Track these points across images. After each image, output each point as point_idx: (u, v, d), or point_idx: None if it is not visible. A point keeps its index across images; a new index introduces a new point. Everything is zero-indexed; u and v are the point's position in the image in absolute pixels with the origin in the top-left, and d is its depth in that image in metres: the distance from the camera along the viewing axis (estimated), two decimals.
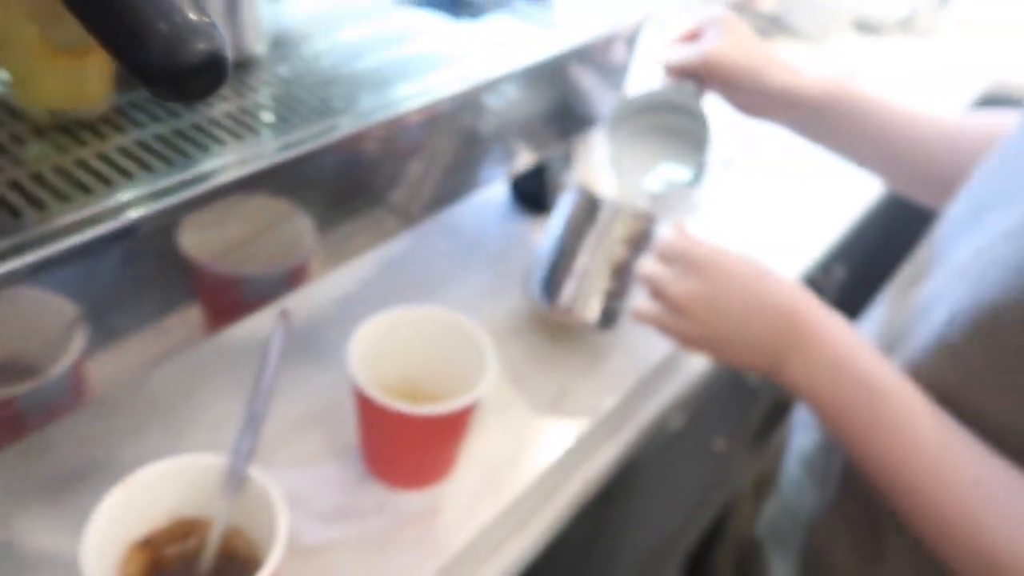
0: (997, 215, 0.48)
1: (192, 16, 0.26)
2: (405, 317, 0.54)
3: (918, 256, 0.58)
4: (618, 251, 0.64)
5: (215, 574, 0.44)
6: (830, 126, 0.66)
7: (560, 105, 0.68)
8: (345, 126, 0.49)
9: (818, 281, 1.12)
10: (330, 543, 0.50)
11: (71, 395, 0.44)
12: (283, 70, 0.53)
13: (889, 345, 0.54)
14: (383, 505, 0.53)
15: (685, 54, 0.65)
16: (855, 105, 0.65)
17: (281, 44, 0.56)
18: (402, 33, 0.61)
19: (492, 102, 0.59)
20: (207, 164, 0.44)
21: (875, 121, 0.65)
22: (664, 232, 0.57)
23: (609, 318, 0.66)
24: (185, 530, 0.43)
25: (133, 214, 0.39)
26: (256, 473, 0.41)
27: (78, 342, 0.42)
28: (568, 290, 0.65)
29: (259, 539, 0.43)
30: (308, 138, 0.47)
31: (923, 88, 1.43)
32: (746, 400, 1.20)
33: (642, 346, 0.70)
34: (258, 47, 0.54)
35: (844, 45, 1.54)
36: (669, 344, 0.71)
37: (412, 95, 0.53)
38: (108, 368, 0.44)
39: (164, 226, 0.41)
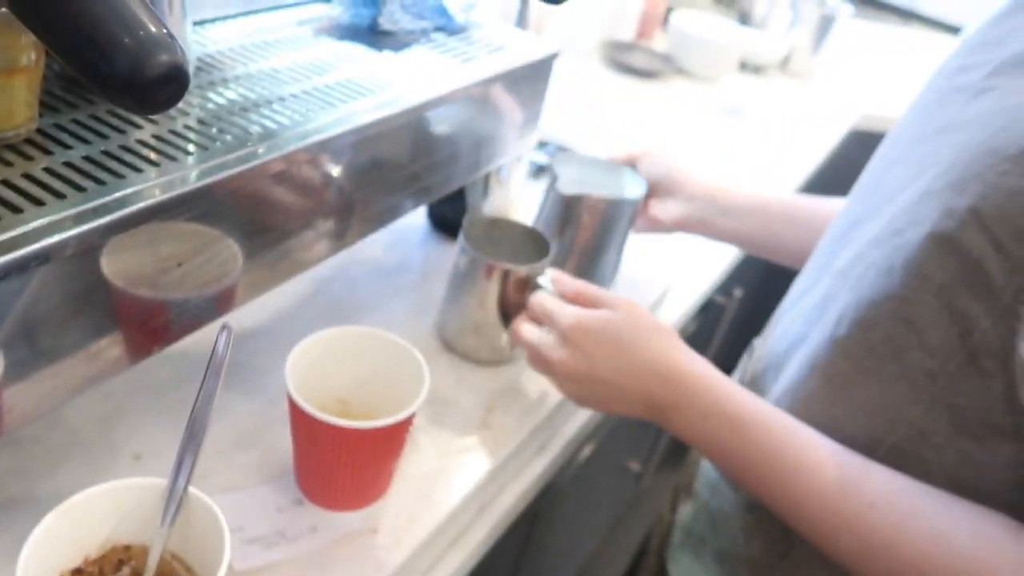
0: (866, 227, 0.54)
1: (154, 29, 0.27)
2: (340, 336, 0.55)
3: (807, 268, 0.63)
4: (507, 299, 0.67)
5: None
6: (728, 219, 0.78)
7: (478, 134, 0.70)
8: (268, 152, 0.50)
9: (720, 301, 1.18)
10: (266, 566, 0.49)
11: None
12: (208, 95, 0.54)
13: (790, 348, 0.58)
14: (318, 526, 0.53)
15: (629, 149, 0.82)
16: (746, 204, 0.78)
17: (206, 69, 0.56)
18: (325, 63, 0.62)
19: (412, 130, 0.61)
20: (135, 186, 0.43)
21: (758, 215, 0.78)
22: (536, 296, 0.62)
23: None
24: (120, 557, 0.42)
25: (56, 236, 0.39)
26: (196, 491, 0.41)
27: None
28: (468, 338, 0.70)
29: (199, 563, 0.42)
30: (232, 163, 0.48)
31: (800, 123, 1.55)
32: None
33: None
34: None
35: (731, 84, 1.65)
36: None
37: (334, 122, 0.54)
38: (28, 398, 0.43)
39: (89, 248, 0.41)
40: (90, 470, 0.53)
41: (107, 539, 0.42)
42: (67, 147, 0.44)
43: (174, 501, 0.40)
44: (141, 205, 0.42)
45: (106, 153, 0.45)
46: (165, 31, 0.27)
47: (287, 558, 0.50)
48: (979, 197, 0.43)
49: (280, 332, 0.68)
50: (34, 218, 0.39)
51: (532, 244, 0.71)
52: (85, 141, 0.45)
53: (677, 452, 0.91)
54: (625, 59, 1.57)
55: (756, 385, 0.63)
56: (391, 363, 0.55)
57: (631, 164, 0.81)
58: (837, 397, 0.52)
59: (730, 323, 1.39)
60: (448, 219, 0.86)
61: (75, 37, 0.26)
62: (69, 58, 0.27)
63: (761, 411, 0.52)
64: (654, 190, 0.79)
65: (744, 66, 1.72)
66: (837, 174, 1.77)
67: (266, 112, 0.53)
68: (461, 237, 0.68)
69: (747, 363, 0.70)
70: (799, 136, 1.50)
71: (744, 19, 1.86)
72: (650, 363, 0.55)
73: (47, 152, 0.44)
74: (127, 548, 0.42)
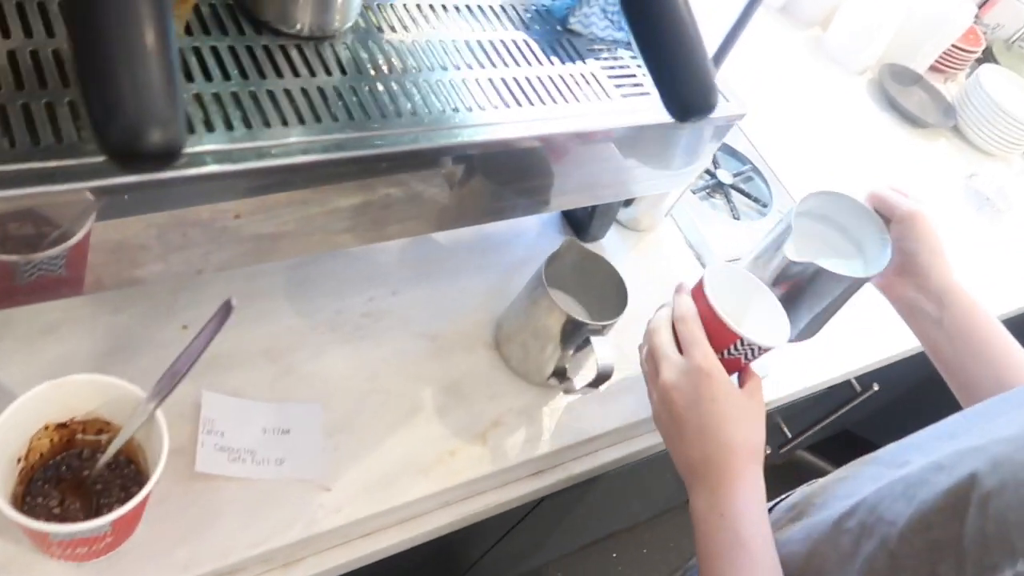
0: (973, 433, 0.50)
1: (159, 104, 0.29)
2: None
3: (922, 439, 0.57)
4: (560, 337, 0.67)
5: (114, 468, 0.51)
6: (937, 332, 0.69)
7: (615, 169, 0.68)
8: (382, 144, 0.51)
9: (856, 387, 1.13)
10: (221, 477, 0.56)
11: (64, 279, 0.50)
12: (364, 56, 0.55)
13: (824, 503, 0.57)
14: (286, 461, 0.59)
15: (900, 198, 0.69)
16: (964, 327, 0.68)
17: (367, 27, 0.57)
18: (492, 50, 0.61)
19: (539, 153, 0.60)
20: (264, 140, 0.47)
21: (968, 346, 0.68)
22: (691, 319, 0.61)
23: (559, 377, 0.69)
24: (100, 427, 0.50)
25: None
26: (161, 417, 0.47)
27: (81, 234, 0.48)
28: (515, 348, 0.70)
29: (153, 460, 0.49)
30: (355, 143, 0.50)
31: None
32: None
33: (599, 413, 0.73)
34: (343, 22, 0.56)
35: (1010, 169, 1.42)
36: (621, 420, 0.74)
37: (459, 129, 0.55)
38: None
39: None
40: (145, 321, 0.62)
41: (93, 412, 0.50)
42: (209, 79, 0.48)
43: (143, 415, 0.47)
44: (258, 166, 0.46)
45: (252, 95, 0.48)
46: (170, 104, 0.29)
47: (243, 477, 0.57)
48: (1000, 482, 0.42)
49: (361, 267, 0.73)
50: None
51: (614, 294, 0.70)
52: (227, 77, 0.49)
53: None
54: (898, 92, 1.39)
55: (797, 508, 0.61)
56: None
57: (887, 209, 0.70)
58: (805, 572, 0.51)
59: (850, 411, 1.31)
60: (575, 216, 0.84)
61: (90, 77, 0.28)
62: (81, 92, 0.29)
63: (765, 543, 0.53)
64: (911, 246, 0.69)
65: None
66: None
67: (415, 90, 0.55)
68: (546, 260, 0.67)
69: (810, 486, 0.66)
70: None
71: None
72: (725, 445, 0.56)
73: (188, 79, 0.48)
74: (107, 423, 0.50)
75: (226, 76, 0.49)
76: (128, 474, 0.52)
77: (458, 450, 0.65)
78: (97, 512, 0.48)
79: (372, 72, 0.55)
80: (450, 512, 0.66)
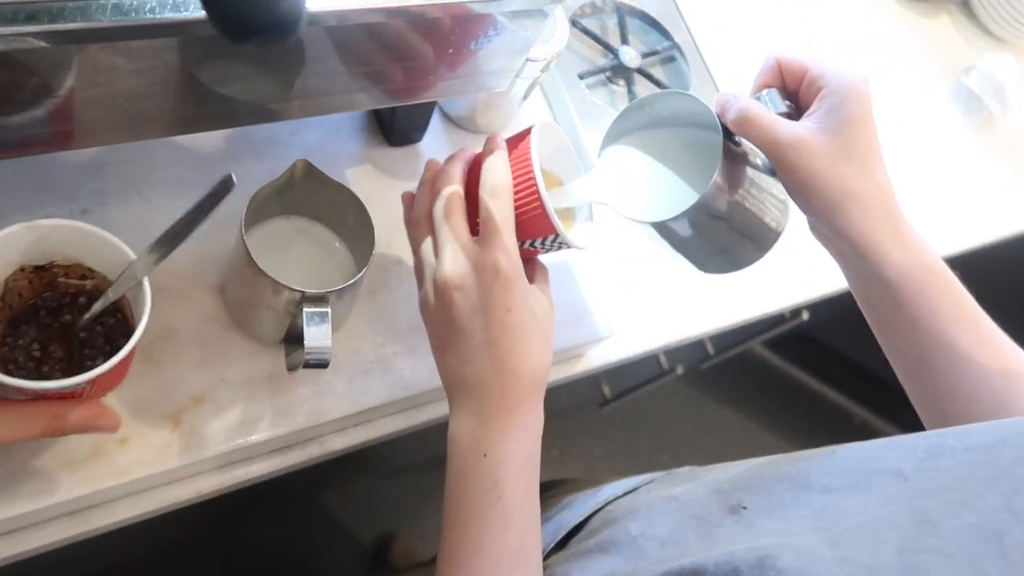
0: None
1: None
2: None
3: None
4: (267, 297, 0.50)
5: (100, 317, 0.46)
6: (881, 307, 0.49)
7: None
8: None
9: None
10: None
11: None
12: None
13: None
14: None
15: (746, 105, 0.47)
16: (923, 301, 0.47)
17: None
18: None
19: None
20: None
21: (938, 329, 0.47)
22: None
23: (293, 343, 0.53)
24: (84, 272, 0.47)
25: None
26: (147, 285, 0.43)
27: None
28: (236, 305, 0.54)
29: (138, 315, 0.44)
30: None
31: None
32: None
33: (362, 385, 0.57)
34: None
35: None
36: (386, 395, 0.58)
37: None
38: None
39: None
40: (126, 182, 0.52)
41: (74, 258, 0.46)
42: None
43: (130, 280, 0.43)
44: None
45: None
46: None
47: None
48: None
49: (40, 169, 0.53)
50: None
51: (367, 241, 0.51)
52: None
53: None
54: None
55: (609, 535, 0.48)
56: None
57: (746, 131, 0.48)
58: None
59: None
60: (379, 115, 0.64)
61: None
62: None
63: (525, 506, 0.44)
64: (795, 186, 0.48)
65: None
66: None
67: None
68: (256, 193, 0.49)
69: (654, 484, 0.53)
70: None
71: None
72: (511, 372, 0.45)
73: None
74: (91, 269, 0.46)
75: None
76: (113, 324, 0.48)
77: (132, 437, 0.50)
78: (81, 361, 0.46)
79: None
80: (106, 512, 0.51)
